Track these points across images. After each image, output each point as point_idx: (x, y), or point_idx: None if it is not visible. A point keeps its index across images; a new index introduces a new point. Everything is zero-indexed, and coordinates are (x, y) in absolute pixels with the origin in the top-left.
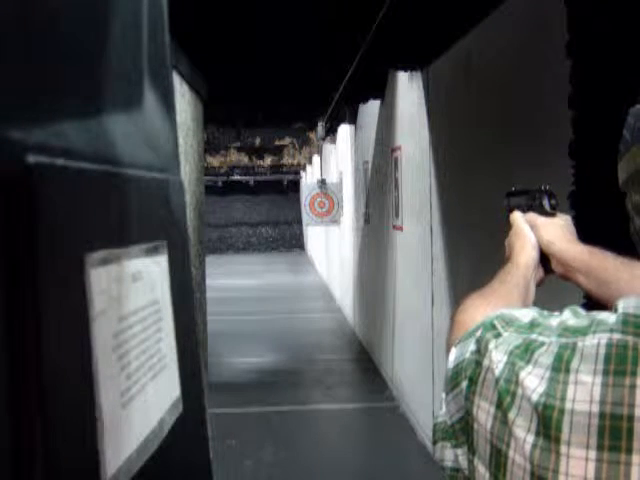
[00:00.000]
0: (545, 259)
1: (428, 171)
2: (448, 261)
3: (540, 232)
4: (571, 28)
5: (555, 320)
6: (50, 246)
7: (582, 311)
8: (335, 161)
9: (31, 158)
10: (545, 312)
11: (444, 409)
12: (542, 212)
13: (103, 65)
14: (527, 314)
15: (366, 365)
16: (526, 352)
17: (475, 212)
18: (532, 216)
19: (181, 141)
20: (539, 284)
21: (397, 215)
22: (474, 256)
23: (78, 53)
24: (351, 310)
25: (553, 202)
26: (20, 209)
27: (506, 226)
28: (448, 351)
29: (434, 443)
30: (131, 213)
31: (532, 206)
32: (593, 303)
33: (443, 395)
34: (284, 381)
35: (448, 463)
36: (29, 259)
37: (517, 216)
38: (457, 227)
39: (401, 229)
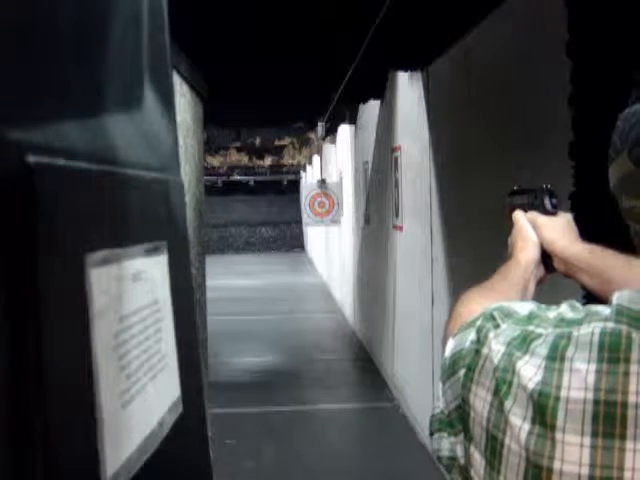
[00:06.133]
0: (547, 258)
1: (428, 171)
2: (448, 261)
3: (542, 231)
4: (571, 28)
5: (552, 313)
6: (50, 246)
7: (579, 305)
8: (335, 161)
9: (31, 158)
10: (543, 306)
11: (441, 399)
12: (544, 211)
13: (103, 65)
14: (525, 307)
15: (366, 365)
16: (523, 343)
17: (475, 212)
18: (534, 215)
19: (181, 141)
20: (540, 282)
21: (397, 215)
22: (474, 256)
23: (78, 53)
24: (351, 310)
25: (554, 201)
26: (20, 209)
27: (508, 224)
28: (445, 342)
29: (431, 434)
30: (131, 213)
31: (534, 205)
32: (593, 299)
33: (440, 385)
34: (284, 381)
35: (444, 453)
36: (29, 259)
37: (519, 215)
38: (457, 227)
39: (401, 229)
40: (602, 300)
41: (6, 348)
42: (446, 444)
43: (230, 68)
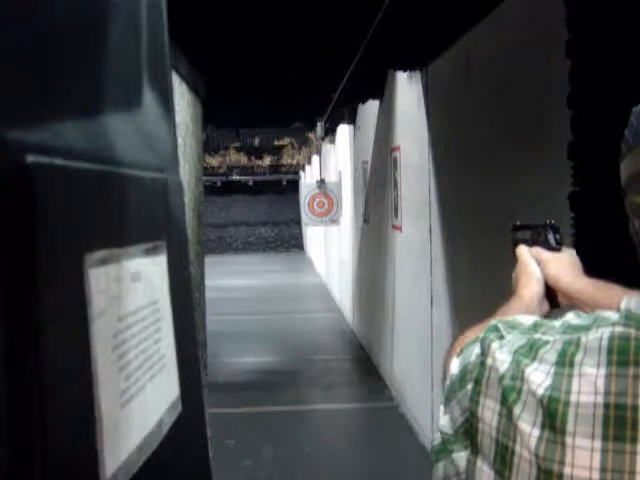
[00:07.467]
0: (551, 293)
1: (427, 171)
2: (447, 261)
3: (546, 267)
4: (571, 28)
5: (558, 322)
6: (50, 246)
7: (584, 314)
8: (334, 161)
9: (30, 158)
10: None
11: (445, 421)
12: (548, 247)
13: (103, 65)
14: (530, 318)
15: (365, 365)
16: (530, 350)
17: (474, 212)
18: (538, 250)
19: (180, 141)
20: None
21: (396, 215)
22: (473, 256)
23: (78, 53)
24: (350, 310)
25: (558, 237)
26: (19, 209)
27: (512, 259)
28: (446, 370)
29: (435, 463)
30: (130, 213)
31: (537, 241)
32: None
33: (442, 407)
34: (283, 381)
35: (452, 477)
36: (29, 259)
37: (523, 250)
38: (456, 227)
39: (400, 229)
40: None
41: (5, 348)
42: (450, 468)
43: (229, 68)
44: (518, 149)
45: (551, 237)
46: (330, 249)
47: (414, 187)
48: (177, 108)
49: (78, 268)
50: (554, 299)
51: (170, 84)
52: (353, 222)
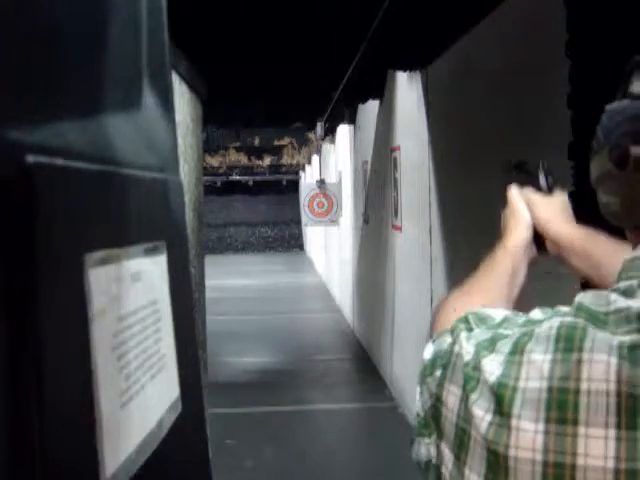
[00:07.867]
0: (539, 238)
1: (427, 171)
2: (447, 261)
3: (536, 211)
4: (571, 28)
5: (522, 318)
6: (49, 246)
7: (549, 309)
8: (334, 161)
9: (30, 158)
10: (520, 313)
11: (418, 403)
12: (539, 190)
13: (103, 65)
14: (500, 313)
15: (365, 365)
16: (491, 344)
17: (474, 212)
18: (528, 193)
19: (180, 141)
20: (531, 263)
21: (396, 215)
22: (473, 256)
23: (78, 54)
24: (350, 310)
25: (550, 181)
26: (19, 209)
27: (503, 198)
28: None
29: (411, 442)
30: (130, 213)
31: (529, 182)
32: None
33: (417, 389)
34: (283, 381)
35: (422, 457)
36: (29, 259)
37: (514, 192)
38: (456, 227)
39: (400, 229)
40: (590, 284)
41: (5, 348)
42: (423, 448)
43: (230, 68)
44: (518, 149)
45: (543, 180)
46: (330, 249)
47: (414, 187)
48: (177, 108)
49: (78, 268)
50: (542, 244)
51: (170, 84)
52: (353, 222)
